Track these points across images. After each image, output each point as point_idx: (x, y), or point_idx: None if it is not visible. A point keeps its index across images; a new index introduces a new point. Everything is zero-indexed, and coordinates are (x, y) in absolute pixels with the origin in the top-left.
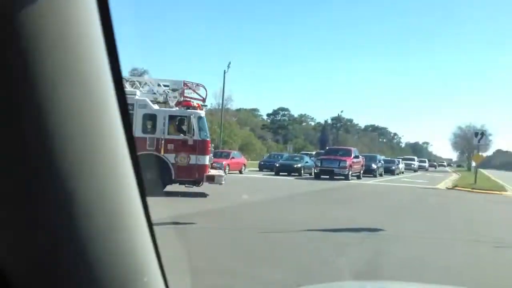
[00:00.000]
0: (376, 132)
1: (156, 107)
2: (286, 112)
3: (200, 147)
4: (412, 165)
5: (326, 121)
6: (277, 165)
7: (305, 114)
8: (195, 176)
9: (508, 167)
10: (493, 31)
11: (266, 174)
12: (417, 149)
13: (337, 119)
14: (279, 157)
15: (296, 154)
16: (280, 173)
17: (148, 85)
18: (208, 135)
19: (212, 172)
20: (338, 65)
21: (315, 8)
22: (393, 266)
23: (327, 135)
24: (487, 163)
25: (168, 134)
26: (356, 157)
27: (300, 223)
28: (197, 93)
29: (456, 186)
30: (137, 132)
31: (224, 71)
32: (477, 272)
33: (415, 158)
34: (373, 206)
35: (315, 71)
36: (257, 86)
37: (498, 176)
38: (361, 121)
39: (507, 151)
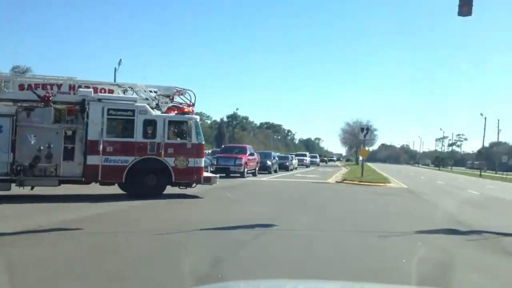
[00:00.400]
0: (271, 129)
1: (156, 112)
2: None
3: (197, 151)
4: (304, 161)
5: (222, 119)
6: None
7: (201, 112)
8: (193, 178)
9: (392, 160)
10: (368, 27)
11: None
12: (310, 145)
13: (233, 117)
14: None
15: None
16: None
17: (140, 91)
18: (203, 139)
19: (207, 174)
20: (233, 62)
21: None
22: (286, 260)
23: (223, 133)
24: (373, 156)
25: (168, 138)
26: (252, 154)
27: (197, 222)
28: (186, 98)
29: (345, 179)
30: (138, 137)
31: (115, 68)
32: (362, 261)
33: (307, 154)
34: (268, 202)
35: (209, 68)
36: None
37: (383, 169)
38: (257, 119)
39: (390, 145)
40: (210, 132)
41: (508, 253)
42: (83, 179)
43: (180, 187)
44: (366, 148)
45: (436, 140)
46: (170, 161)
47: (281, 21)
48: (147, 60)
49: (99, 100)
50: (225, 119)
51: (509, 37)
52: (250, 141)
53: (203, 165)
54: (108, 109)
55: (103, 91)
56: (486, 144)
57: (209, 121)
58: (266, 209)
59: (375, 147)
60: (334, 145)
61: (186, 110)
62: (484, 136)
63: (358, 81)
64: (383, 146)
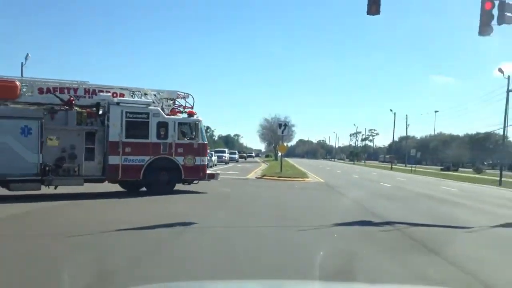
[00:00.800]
0: None
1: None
2: None
3: (202, 150)
4: (223, 157)
5: None
6: None
7: None
8: (200, 175)
9: (309, 155)
10: (285, 24)
11: None
12: (229, 142)
13: None
14: None
15: None
16: None
17: (148, 94)
18: (206, 139)
19: (210, 171)
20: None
21: None
22: (204, 258)
23: None
24: (291, 152)
25: (178, 139)
26: None
27: (113, 223)
28: (187, 101)
29: (264, 175)
30: (153, 138)
31: (22, 63)
32: (280, 255)
33: (226, 150)
34: (188, 200)
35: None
36: None
37: (301, 164)
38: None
39: (308, 140)
40: None
41: (417, 242)
42: (105, 178)
43: (184, 184)
44: (285, 144)
45: (350, 135)
46: (180, 160)
47: (200, 16)
48: None
49: (118, 103)
50: None
51: (415, 36)
52: None
53: (206, 163)
54: (126, 112)
55: (115, 95)
56: (396, 139)
57: None
58: (186, 207)
59: (293, 142)
60: (254, 141)
61: (192, 112)
62: (394, 131)
63: (275, 77)
64: (301, 141)
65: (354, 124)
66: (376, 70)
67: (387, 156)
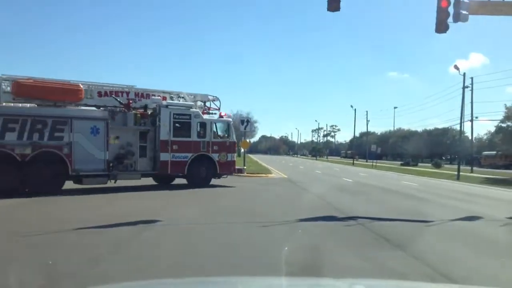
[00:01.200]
0: None
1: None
2: None
3: (232, 147)
4: None
5: None
6: None
7: None
8: (231, 170)
9: (272, 151)
10: (246, 24)
11: None
12: None
13: None
14: None
15: None
16: None
17: (184, 98)
18: (235, 137)
19: (238, 167)
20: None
21: None
22: (168, 255)
23: None
24: (254, 148)
25: (213, 138)
26: None
27: (76, 221)
28: (215, 103)
29: None
30: (194, 137)
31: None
32: (244, 251)
33: None
34: (150, 197)
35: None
36: None
37: (264, 160)
38: None
39: (270, 136)
40: None
41: (380, 237)
42: (157, 173)
43: (216, 177)
44: (247, 140)
45: (312, 131)
46: (215, 157)
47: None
48: None
49: (167, 106)
50: None
51: (374, 32)
52: None
53: (235, 158)
54: (173, 114)
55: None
56: (357, 134)
57: None
58: (150, 204)
59: (255, 138)
60: None
61: (226, 114)
62: (354, 127)
63: (237, 73)
64: (264, 137)
65: (316, 120)
66: (337, 67)
67: (349, 151)
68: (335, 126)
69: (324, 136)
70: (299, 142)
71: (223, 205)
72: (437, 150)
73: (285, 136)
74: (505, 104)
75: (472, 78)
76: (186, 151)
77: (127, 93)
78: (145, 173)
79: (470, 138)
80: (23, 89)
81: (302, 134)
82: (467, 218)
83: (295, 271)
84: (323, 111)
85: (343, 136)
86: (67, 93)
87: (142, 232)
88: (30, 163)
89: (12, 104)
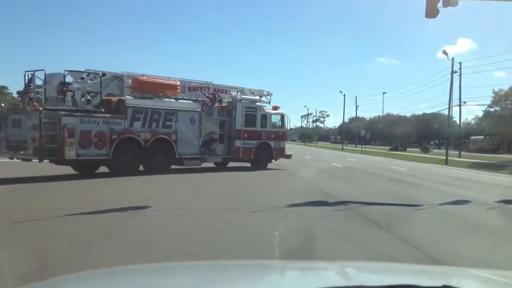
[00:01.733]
0: None
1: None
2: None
3: (284, 136)
4: None
5: None
6: None
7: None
8: (283, 155)
9: None
10: (232, 12)
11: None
12: None
13: None
14: None
15: None
16: None
17: (247, 93)
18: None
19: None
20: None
21: None
22: (157, 241)
23: None
24: None
25: (271, 128)
26: None
27: (66, 208)
28: (267, 98)
29: None
30: (258, 127)
31: None
32: (235, 237)
33: None
34: (139, 184)
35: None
36: None
37: None
38: None
39: None
40: None
41: (369, 221)
42: (232, 157)
43: (272, 161)
44: None
45: (302, 117)
46: (272, 144)
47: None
48: None
49: (240, 100)
50: None
51: (362, 17)
52: None
53: (285, 146)
54: (245, 107)
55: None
56: (346, 120)
57: None
58: (139, 190)
59: None
60: None
61: (276, 106)
62: (344, 112)
63: (227, 59)
64: None
65: (305, 106)
66: (326, 52)
67: (338, 137)
68: (325, 111)
69: (313, 121)
70: (288, 128)
71: (212, 190)
72: (425, 135)
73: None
74: (493, 89)
75: (460, 63)
76: (253, 139)
77: (208, 88)
78: (225, 157)
79: (458, 123)
80: (140, 84)
81: (291, 120)
82: (455, 202)
83: (286, 254)
84: (312, 97)
85: (333, 122)
86: (169, 88)
87: (133, 217)
88: (149, 148)
89: (133, 98)
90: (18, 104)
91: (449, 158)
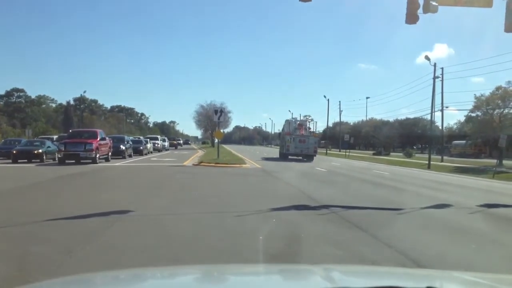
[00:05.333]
0: (123, 113)
1: None
2: (22, 94)
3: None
4: (156, 144)
5: (68, 102)
6: (14, 151)
7: (44, 95)
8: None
9: (246, 141)
10: (220, 19)
11: (2, 163)
12: (165, 128)
13: (81, 100)
14: (17, 142)
15: (35, 139)
16: (19, 160)
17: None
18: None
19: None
20: (76, 43)
21: None
22: (140, 246)
23: (71, 117)
24: (228, 138)
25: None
26: (103, 139)
27: (46, 213)
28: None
29: (201, 162)
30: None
31: None
32: (218, 241)
33: (158, 137)
34: (123, 187)
35: (53, 49)
36: None
37: (238, 150)
38: (107, 102)
39: (244, 127)
40: (56, 116)
41: (353, 225)
42: None
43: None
44: (221, 130)
45: (286, 121)
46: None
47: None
48: None
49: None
50: (72, 102)
51: (344, 24)
52: (102, 125)
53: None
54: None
55: None
56: (330, 124)
57: (54, 105)
58: (121, 195)
59: (229, 129)
60: (190, 127)
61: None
62: (328, 117)
63: (210, 64)
64: (237, 128)
65: (290, 111)
66: (310, 58)
67: (322, 141)
68: (309, 116)
69: None
70: (273, 132)
71: (193, 196)
72: (408, 139)
73: (259, 127)
74: (474, 94)
75: (442, 69)
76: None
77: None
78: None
79: (440, 128)
80: None
81: (276, 125)
82: (437, 206)
83: (270, 258)
84: (296, 102)
85: (317, 126)
86: None
87: (114, 224)
88: None
89: None
90: None
91: (431, 162)
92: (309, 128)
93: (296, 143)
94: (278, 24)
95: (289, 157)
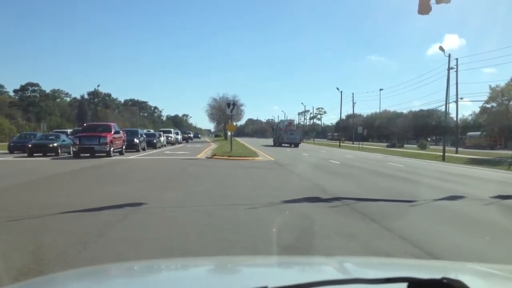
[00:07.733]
0: (137, 107)
1: None
2: (36, 88)
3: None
4: (169, 138)
5: (82, 96)
6: (30, 145)
7: (58, 89)
8: None
9: (259, 134)
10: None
11: (18, 156)
12: (178, 122)
13: (94, 94)
14: (32, 136)
15: (50, 133)
16: (34, 154)
17: None
18: None
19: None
20: (91, 37)
21: None
22: (155, 238)
23: (85, 111)
24: (241, 131)
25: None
26: (117, 132)
27: (61, 205)
28: None
29: (215, 155)
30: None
31: None
32: (232, 234)
33: (172, 130)
34: (136, 181)
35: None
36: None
37: (251, 143)
38: (120, 96)
39: (257, 120)
40: (71, 110)
41: (365, 216)
42: None
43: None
44: (234, 123)
45: (299, 113)
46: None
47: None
48: None
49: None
50: (86, 97)
51: (354, 16)
52: (115, 119)
53: None
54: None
55: None
56: (343, 117)
57: (68, 99)
58: (135, 188)
59: (242, 122)
60: (203, 121)
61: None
62: (341, 109)
63: (223, 58)
64: (250, 121)
65: (302, 103)
66: (322, 50)
67: (335, 134)
68: (322, 108)
69: (310, 118)
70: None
71: (206, 189)
72: (422, 131)
73: (272, 119)
74: (489, 85)
75: (457, 59)
76: None
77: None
78: None
79: (455, 119)
80: None
81: (288, 117)
82: (451, 197)
83: (283, 250)
84: (309, 94)
85: (330, 119)
86: None
87: (128, 216)
88: None
89: None
90: None
91: (446, 154)
92: (297, 125)
93: (288, 135)
94: (289, 16)
95: (282, 144)
